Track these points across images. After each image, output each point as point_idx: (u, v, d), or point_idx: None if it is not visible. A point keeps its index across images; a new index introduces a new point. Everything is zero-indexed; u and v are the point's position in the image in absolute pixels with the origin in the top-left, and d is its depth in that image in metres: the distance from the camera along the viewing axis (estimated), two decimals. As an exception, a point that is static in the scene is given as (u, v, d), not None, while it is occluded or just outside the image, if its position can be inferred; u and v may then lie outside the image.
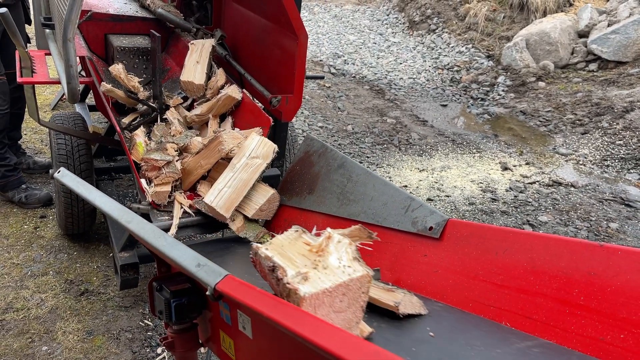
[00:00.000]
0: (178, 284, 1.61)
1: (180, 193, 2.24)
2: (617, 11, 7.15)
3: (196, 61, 2.71)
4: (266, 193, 2.14)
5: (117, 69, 2.73)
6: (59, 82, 2.71)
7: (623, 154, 5.21)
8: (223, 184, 2.10)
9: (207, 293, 1.11)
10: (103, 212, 1.53)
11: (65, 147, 2.89)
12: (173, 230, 2.06)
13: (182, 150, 2.34)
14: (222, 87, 2.66)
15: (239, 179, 2.10)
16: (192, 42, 2.81)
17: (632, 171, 4.98)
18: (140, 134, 2.42)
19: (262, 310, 0.92)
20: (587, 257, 1.12)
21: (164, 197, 2.17)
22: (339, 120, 5.91)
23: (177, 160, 2.25)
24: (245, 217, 2.15)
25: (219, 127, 2.57)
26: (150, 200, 2.17)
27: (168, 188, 2.17)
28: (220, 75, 2.69)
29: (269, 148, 2.16)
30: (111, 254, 3.12)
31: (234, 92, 2.54)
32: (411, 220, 1.58)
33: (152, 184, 2.18)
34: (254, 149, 2.15)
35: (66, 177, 1.72)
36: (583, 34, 7.28)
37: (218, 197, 2.07)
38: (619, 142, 5.38)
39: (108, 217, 2.43)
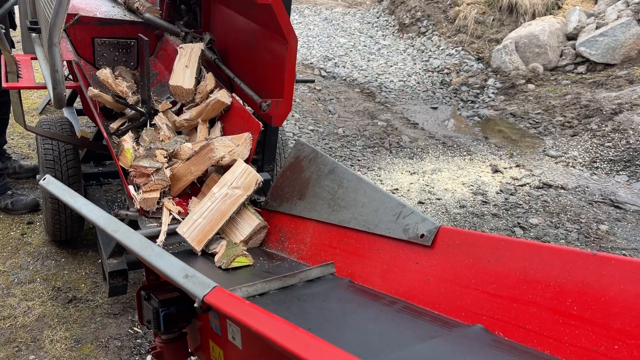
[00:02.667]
0: (167, 292, 1.59)
1: (169, 199, 2.21)
2: (605, 14, 7.21)
3: (185, 65, 2.68)
4: (252, 222, 2.06)
5: (105, 73, 2.70)
6: (45, 87, 2.68)
7: (612, 156, 5.24)
8: (199, 214, 2.03)
9: (196, 305, 1.09)
10: (89, 220, 1.50)
11: (52, 152, 2.85)
12: (162, 237, 2.03)
13: (172, 156, 2.31)
14: (212, 91, 2.63)
15: (215, 210, 2.03)
16: (181, 46, 2.78)
17: (621, 173, 5.01)
18: (128, 140, 2.38)
19: (251, 324, 0.90)
20: (580, 266, 1.11)
21: (152, 204, 2.14)
22: (329, 123, 5.90)
23: (166, 167, 2.22)
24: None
25: (208, 132, 2.54)
26: (139, 207, 2.14)
27: (157, 195, 2.14)
28: (209, 80, 2.66)
29: (252, 179, 2.09)
30: (99, 261, 3.08)
31: (223, 96, 2.51)
32: (402, 227, 1.57)
33: (141, 191, 2.15)
34: (236, 179, 2.10)
35: (51, 184, 1.69)
36: (571, 37, 7.33)
37: (191, 228, 2.01)
38: (608, 144, 5.42)
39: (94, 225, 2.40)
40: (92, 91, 2.60)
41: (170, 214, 2.15)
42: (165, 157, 2.24)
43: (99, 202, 3.03)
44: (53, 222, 2.95)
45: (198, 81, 2.70)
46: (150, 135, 2.53)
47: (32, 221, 3.42)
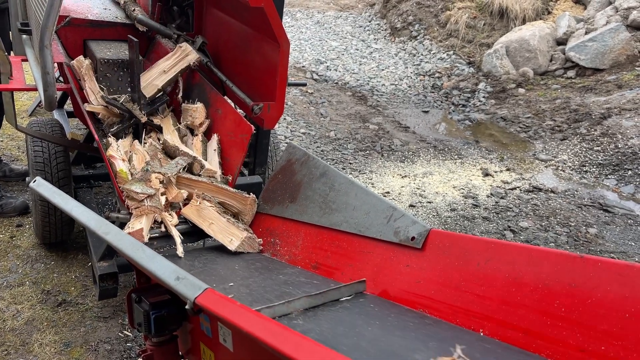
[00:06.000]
0: (157, 295, 1.59)
1: (170, 213, 2.18)
2: (594, 19, 7.29)
3: (163, 70, 2.67)
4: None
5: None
6: (35, 89, 2.66)
7: (601, 160, 5.29)
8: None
9: (187, 307, 1.09)
10: (80, 223, 1.50)
11: (42, 154, 2.83)
12: (180, 249, 2.01)
13: (167, 184, 2.21)
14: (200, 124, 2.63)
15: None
16: (181, 44, 2.77)
17: (610, 177, 5.06)
18: (117, 159, 2.31)
19: (243, 325, 0.90)
20: (568, 269, 1.12)
21: (138, 237, 1.98)
22: (321, 126, 5.91)
23: (162, 194, 2.13)
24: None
25: (201, 141, 2.53)
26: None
27: (141, 224, 2.03)
28: (200, 112, 2.63)
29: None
30: (90, 264, 3.07)
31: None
32: (393, 230, 1.58)
33: (128, 225, 2.05)
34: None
35: (42, 186, 1.69)
36: (561, 42, 7.40)
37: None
38: (597, 148, 5.47)
39: (85, 227, 2.37)
40: (88, 106, 2.59)
41: (174, 223, 2.13)
42: (160, 182, 2.15)
43: (90, 205, 3.01)
44: (43, 225, 2.93)
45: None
46: (153, 150, 2.48)
47: (22, 224, 3.40)
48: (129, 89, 2.82)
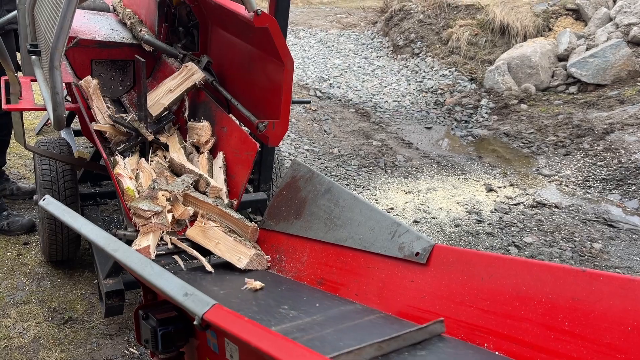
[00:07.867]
0: (164, 312, 1.60)
1: (174, 232, 2.20)
2: (595, 35, 7.35)
3: (170, 89, 2.72)
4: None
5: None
6: (44, 109, 2.71)
7: (604, 175, 5.30)
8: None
9: (195, 323, 1.11)
10: (89, 240, 1.52)
11: (50, 172, 2.87)
12: (208, 266, 2.04)
13: (174, 201, 2.24)
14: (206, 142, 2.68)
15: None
16: (186, 64, 2.81)
17: (613, 192, 5.06)
18: (125, 177, 2.33)
19: (251, 340, 0.92)
20: (571, 283, 1.14)
21: (145, 254, 2.02)
22: (325, 143, 5.94)
23: (168, 211, 2.16)
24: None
25: (207, 159, 2.55)
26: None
27: (148, 241, 2.06)
28: (205, 130, 2.67)
29: None
30: (96, 281, 3.08)
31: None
32: (398, 245, 1.60)
33: (135, 243, 2.08)
34: None
35: (51, 204, 1.71)
36: (562, 58, 7.46)
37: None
38: (600, 163, 5.48)
39: (93, 245, 2.39)
40: (96, 125, 2.63)
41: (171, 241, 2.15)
42: (167, 200, 2.17)
43: (96, 222, 3.04)
44: (49, 243, 2.95)
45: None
46: (160, 167, 2.51)
47: (28, 242, 3.42)
48: (120, 88, 2.91)
